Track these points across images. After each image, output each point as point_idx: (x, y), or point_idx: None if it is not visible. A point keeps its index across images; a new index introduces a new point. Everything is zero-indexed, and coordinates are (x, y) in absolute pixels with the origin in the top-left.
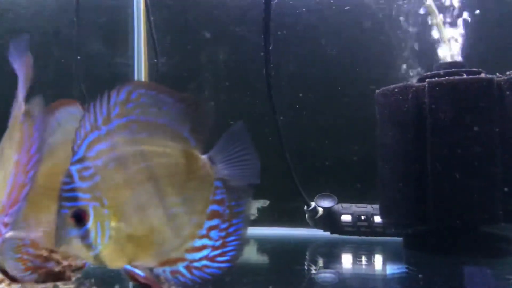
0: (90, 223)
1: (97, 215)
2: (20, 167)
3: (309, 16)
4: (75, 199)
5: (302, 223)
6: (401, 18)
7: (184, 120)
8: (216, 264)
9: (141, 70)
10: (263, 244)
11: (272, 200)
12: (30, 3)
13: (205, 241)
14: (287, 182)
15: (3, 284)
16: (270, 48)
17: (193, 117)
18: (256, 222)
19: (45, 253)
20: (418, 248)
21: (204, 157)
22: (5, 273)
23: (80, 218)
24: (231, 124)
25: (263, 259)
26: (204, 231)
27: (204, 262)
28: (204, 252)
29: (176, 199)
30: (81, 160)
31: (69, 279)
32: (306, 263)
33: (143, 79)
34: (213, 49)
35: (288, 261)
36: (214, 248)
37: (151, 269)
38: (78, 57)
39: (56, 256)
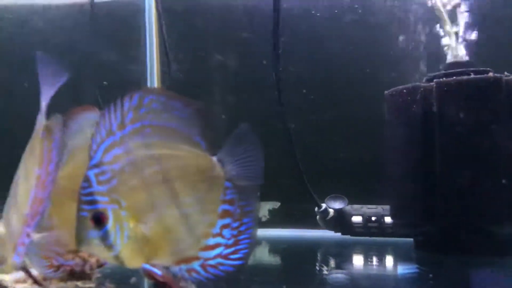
0: (110, 225)
1: (116, 217)
2: (40, 183)
3: (317, 18)
4: (94, 202)
5: (313, 225)
6: (410, 18)
7: (193, 125)
8: (229, 262)
9: (153, 76)
10: (275, 245)
11: (282, 202)
12: (46, 14)
13: (218, 240)
14: (297, 184)
15: (26, 284)
16: (280, 51)
17: (202, 121)
18: (267, 224)
19: (71, 253)
20: (428, 249)
21: (214, 158)
22: (29, 273)
23: (99, 220)
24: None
25: (275, 260)
26: (217, 230)
27: (218, 260)
28: (218, 250)
29: (189, 200)
30: (98, 165)
31: (89, 278)
32: (317, 263)
33: (155, 85)
34: (223, 54)
35: (299, 261)
36: (227, 246)
37: (167, 268)
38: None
39: (83, 254)
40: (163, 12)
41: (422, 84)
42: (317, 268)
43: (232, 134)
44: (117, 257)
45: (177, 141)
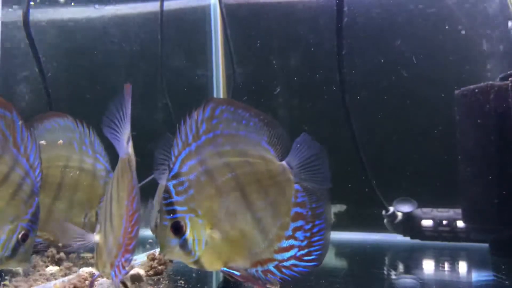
0: (188, 233)
1: (193, 225)
2: (128, 216)
3: (383, 17)
4: (173, 212)
5: (380, 228)
6: (480, 16)
7: (261, 132)
8: (303, 263)
9: (219, 81)
10: (341, 249)
11: (349, 205)
12: (119, 25)
13: (292, 242)
14: (364, 187)
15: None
16: (343, 53)
17: (268, 129)
18: (333, 227)
19: None
20: (505, 254)
21: (283, 163)
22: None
23: (178, 229)
24: (305, 129)
25: (341, 263)
26: (290, 232)
27: (292, 261)
28: (292, 252)
29: (261, 204)
30: (176, 176)
31: (160, 273)
32: (385, 268)
33: (221, 89)
34: (286, 57)
35: (367, 265)
36: (301, 248)
37: (245, 270)
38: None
39: None
40: (228, 17)
41: (496, 83)
42: (385, 272)
43: (296, 141)
44: (197, 262)
45: (247, 147)
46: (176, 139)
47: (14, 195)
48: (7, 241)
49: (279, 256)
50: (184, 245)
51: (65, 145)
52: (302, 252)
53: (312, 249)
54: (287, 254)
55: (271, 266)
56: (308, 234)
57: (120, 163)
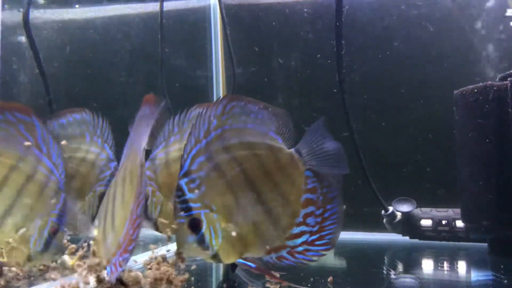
0: (204, 228)
1: (209, 220)
2: (131, 220)
3: (382, 17)
4: (188, 209)
5: (379, 228)
6: (479, 15)
7: (268, 123)
8: (316, 247)
9: (219, 81)
10: (340, 248)
11: (348, 205)
12: (119, 25)
13: (303, 228)
14: (363, 186)
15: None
16: (343, 52)
17: (276, 120)
18: None
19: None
20: (504, 254)
21: (291, 150)
22: (124, 284)
23: (195, 225)
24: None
25: (340, 263)
26: (300, 219)
27: (305, 246)
28: (303, 238)
29: (271, 195)
30: (187, 173)
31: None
32: (384, 267)
33: (221, 89)
34: (286, 57)
35: (366, 265)
36: (312, 233)
37: (260, 258)
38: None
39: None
40: (228, 17)
41: (495, 83)
42: (384, 272)
43: (310, 127)
44: (214, 256)
45: (255, 139)
46: (189, 136)
47: (41, 193)
48: (39, 236)
49: (291, 243)
50: (201, 241)
51: (77, 137)
52: (314, 237)
53: (324, 233)
54: (299, 240)
55: (284, 252)
56: (319, 219)
57: (132, 168)
